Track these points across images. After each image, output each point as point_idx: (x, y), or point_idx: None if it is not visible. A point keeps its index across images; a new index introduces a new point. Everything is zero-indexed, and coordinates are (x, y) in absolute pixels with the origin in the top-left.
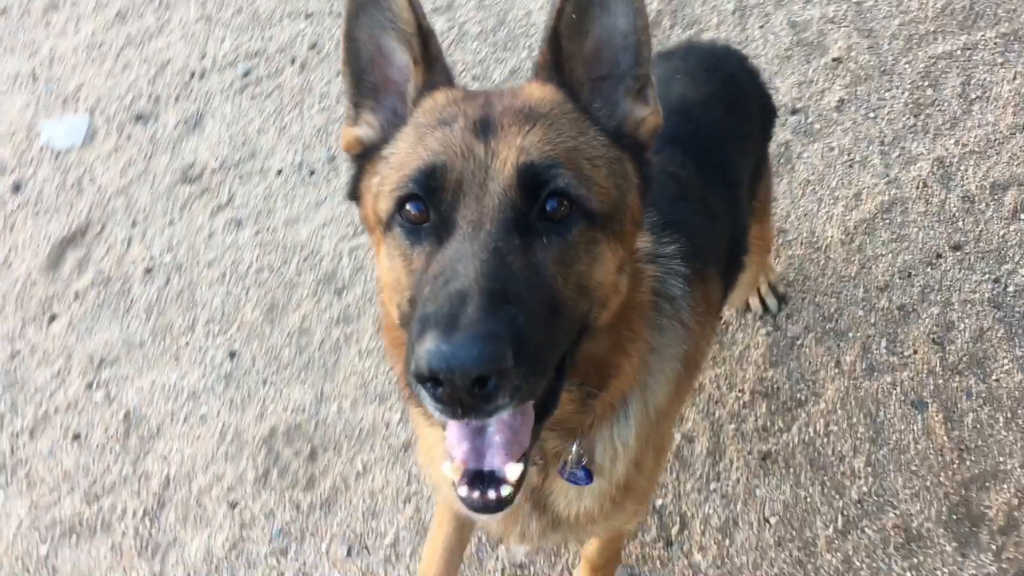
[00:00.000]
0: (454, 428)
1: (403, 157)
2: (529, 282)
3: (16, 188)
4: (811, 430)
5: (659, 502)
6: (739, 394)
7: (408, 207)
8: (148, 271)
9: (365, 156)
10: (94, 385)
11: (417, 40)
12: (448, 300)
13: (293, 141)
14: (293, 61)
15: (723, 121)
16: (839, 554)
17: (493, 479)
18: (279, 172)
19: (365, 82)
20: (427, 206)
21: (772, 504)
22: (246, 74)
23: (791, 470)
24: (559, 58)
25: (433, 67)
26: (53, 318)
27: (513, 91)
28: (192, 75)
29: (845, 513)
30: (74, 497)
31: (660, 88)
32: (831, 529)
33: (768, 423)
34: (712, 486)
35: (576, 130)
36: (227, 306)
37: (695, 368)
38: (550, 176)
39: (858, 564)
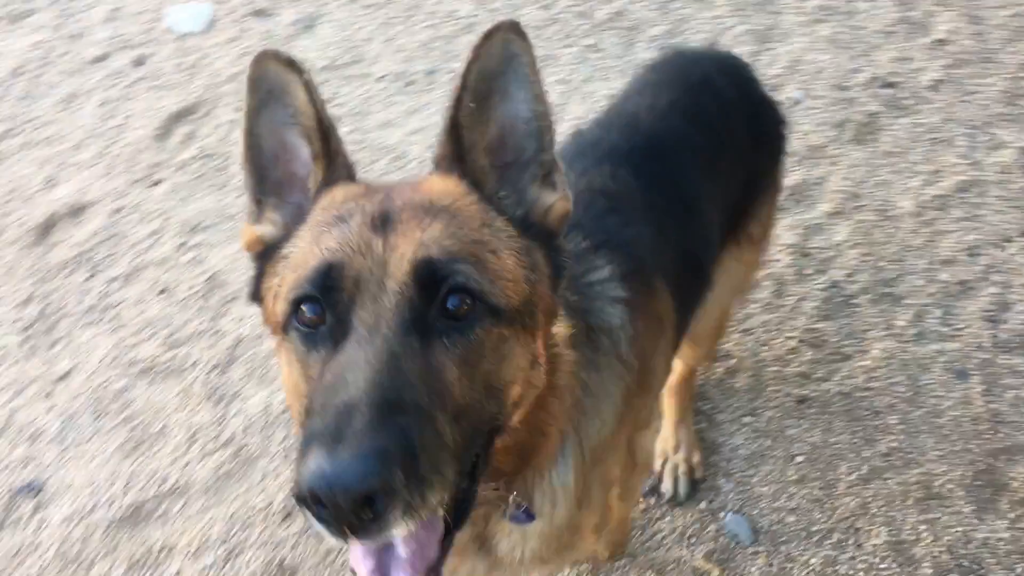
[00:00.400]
0: (356, 545)
1: (301, 256)
2: (428, 388)
3: (138, 62)
4: (851, 383)
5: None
6: (786, 340)
7: (303, 308)
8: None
9: (266, 256)
10: (185, 247)
11: (318, 135)
12: (335, 413)
13: (397, 52)
14: None
15: (682, 130)
16: (857, 499)
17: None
18: (380, 78)
19: (268, 178)
20: (324, 307)
21: (800, 445)
22: None
23: (825, 417)
24: (460, 148)
25: (334, 162)
26: (157, 183)
27: (414, 184)
28: None
29: (871, 463)
30: (154, 342)
31: (618, 102)
32: (854, 476)
33: (810, 370)
34: (745, 419)
35: (480, 221)
36: None
37: (645, 391)
38: (450, 271)
39: (875, 511)
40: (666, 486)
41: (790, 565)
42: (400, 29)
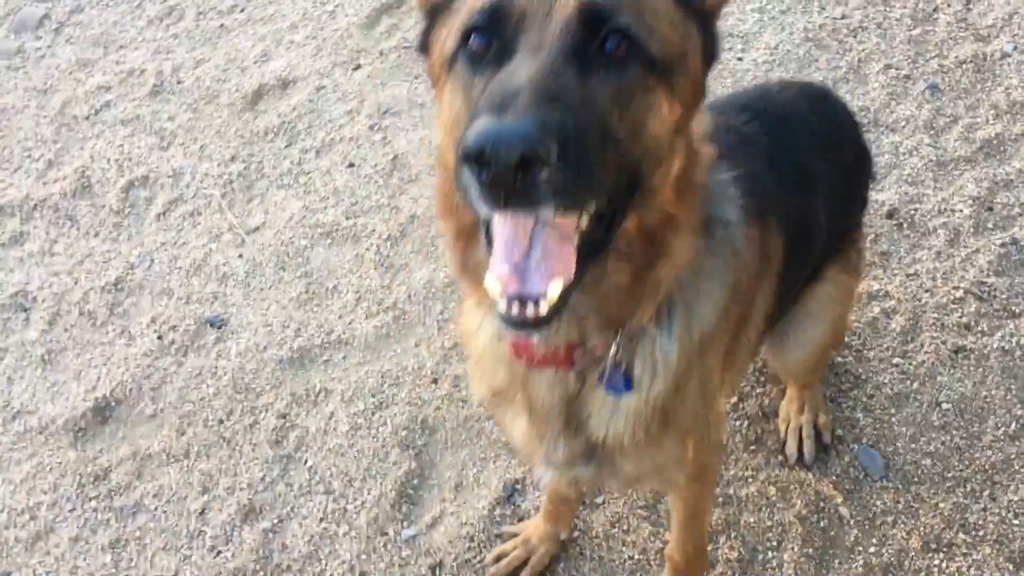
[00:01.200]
0: (500, 247)
1: (470, 4)
2: (583, 103)
3: None
4: (1014, 341)
5: (837, 359)
6: (952, 289)
7: (472, 39)
8: None
9: (436, 10)
10: (375, 128)
11: None
12: (501, 95)
13: None
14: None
15: (807, 127)
16: (1000, 454)
17: (534, 299)
18: None
19: None
20: (490, 39)
21: (949, 392)
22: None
23: (980, 370)
24: None
25: None
26: (358, 67)
27: None
28: None
29: (1021, 422)
30: (337, 210)
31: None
32: (1001, 431)
33: (972, 323)
34: (895, 360)
35: None
36: None
37: (747, 307)
38: (612, 15)
39: (1017, 467)
40: (790, 448)
41: (917, 505)
42: None
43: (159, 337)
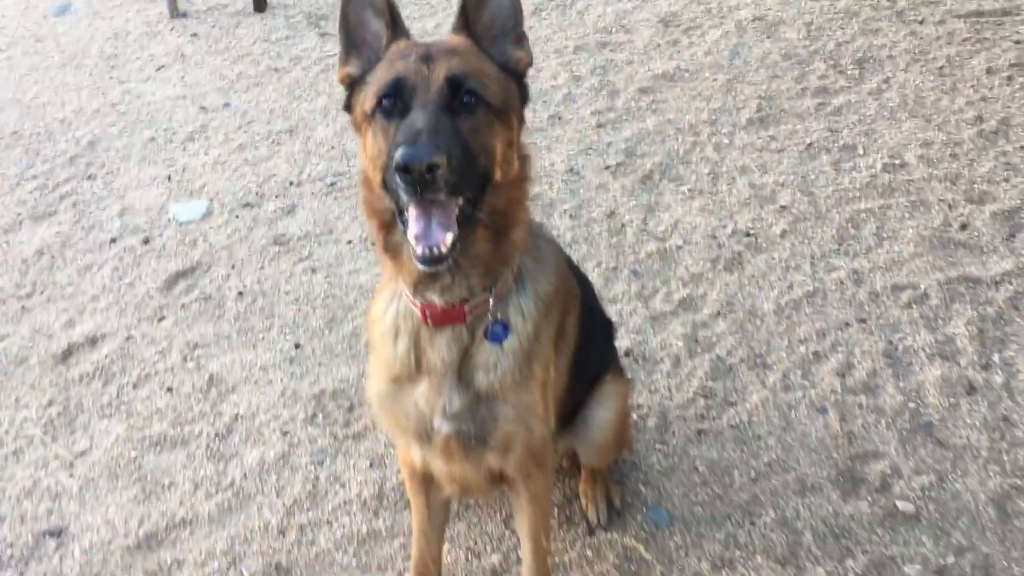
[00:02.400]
0: (413, 220)
1: (380, 77)
2: (454, 134)
3: (146, 241)
4: (737, 419)
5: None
6: (684, 394)
7: (384, 101)
8: (240, 294)
9: (351, 85)
10: (188, 359)
11: (388, 14)
12: (410, 133)
13: (362, 226)
14: None
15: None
16: (749, 493)
17: (435, 245)
18: (349, 242)
19: (352, 40)
20: (395, 100)
21: (701, 460)
22: (331, 184)
23: (719, 442)
24: (468, 22)
25: (398, 27)
26: (163, 318)
27: (442, 40)
28: (291, 183)
29: (757, 470)
30: (162, 424)
31: None
32: (744, 478)
33: (705, 413)
34: (658, 446)
35: (479, 60)
36: (297, 318)
37: (564, 315)
38: (465, 81)
39: (763, 499)
40: (591, 514)
41: (700, 539)
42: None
43: None
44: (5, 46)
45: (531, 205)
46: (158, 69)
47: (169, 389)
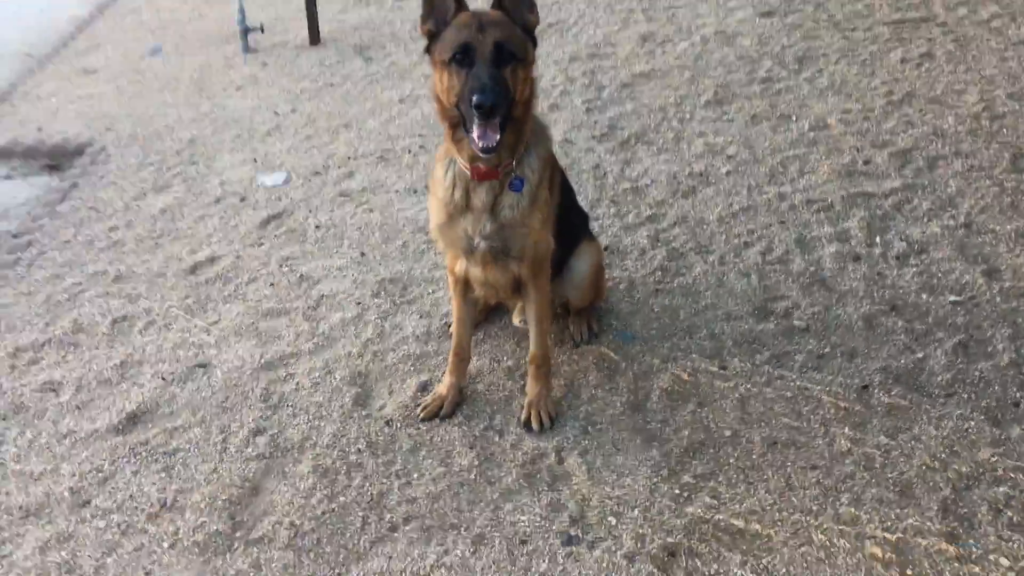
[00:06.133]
0: (474, 128)
1: (452, 38)
2: (501, 84)
3: (242, 199)
4: (689, 280)
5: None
6: (642, 256)
7: (457, 55)
8: (317, 227)
9: (431, 37)
10: (282, 267)
11: None
12: (480, 85)
13: (405, 181)
14: (409, 151)
15: None
16: (689, 322)
17: (490, 142)
18: (396, 191)
19: (431, 8)
20: (464, 56)
21: (657, 305)
22: (380, 157)
23: (673, 296)
24: (502, 3)
25: (461, 3)
26: (261, 244)
27: (487, 13)
28: (349, 158)
29: (688, 312)
30: (270, 303)
31: None
32: (683, 317)
33: (664, 268)
34: (624, 298)
35: (511, 28)
36: (361, 238)
37: (553, 175)
38: (505, 44)
39: (696, 325)
40: (575, 334)
41: (654, 347)
42: (415, 174)
43: (162, 379)
44: (112, 79)
45: (535, 105)
46: (237, 89)
47: (272, 284)
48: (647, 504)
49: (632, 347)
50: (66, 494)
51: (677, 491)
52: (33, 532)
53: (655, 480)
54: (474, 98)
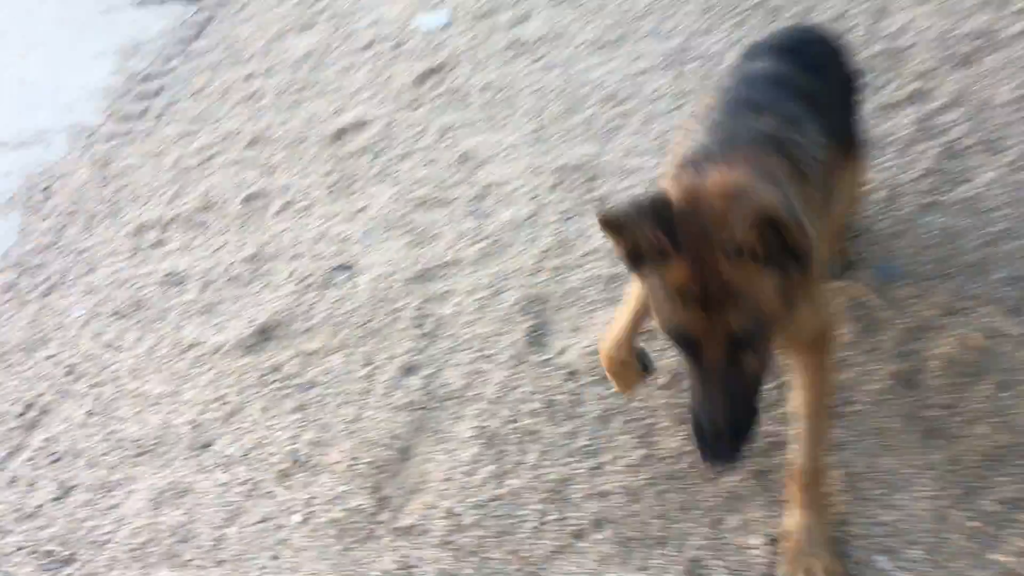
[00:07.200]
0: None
1: (665, 309)
2: (739, 395)
3: (396, 46)
4: (971, 193)
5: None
6: (914, 171)
7: (674, 338)
8: (483, 88)
9: (635, 258)
10: (442, 139)
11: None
12: (707, 404)
13: (595, 28)
14: None
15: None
16: (978, 254)
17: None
18: (581, 44)
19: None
20: (683, 343)
21: (930, 226)
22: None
23: (951, 212)
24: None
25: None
26: (417, 107)
27: (718, 266)
28: None
29: (985, 237)
30: (426, 188)
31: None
32: (973, 243)
33: (933, 187)
34: (888, 214)
35: (755, 289)
36: (537, 106)
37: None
38: (744, 336)
39: (990, 263)
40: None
41: (930, 291)
42: (595, 16)
43: (299, 281)
44: None
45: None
46: None
47: (431, 161)
48: (933, 542)
49: (898, 288)
50: (186, 429)
51: (975, 523)
52: (147, 476)
53: (942, 502)
54: (700, 418)
